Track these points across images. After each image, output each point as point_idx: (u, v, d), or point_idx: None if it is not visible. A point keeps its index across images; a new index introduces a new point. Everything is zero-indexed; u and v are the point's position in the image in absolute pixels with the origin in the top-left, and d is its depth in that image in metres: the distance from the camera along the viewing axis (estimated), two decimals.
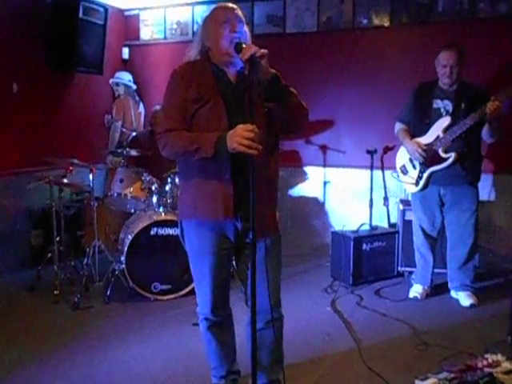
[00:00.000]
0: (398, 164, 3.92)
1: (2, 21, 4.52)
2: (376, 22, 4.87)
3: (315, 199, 5.29)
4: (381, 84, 4.86)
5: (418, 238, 3.86)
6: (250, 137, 1.84)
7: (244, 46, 1.91)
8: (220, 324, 2.31)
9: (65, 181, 4.10)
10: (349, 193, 5.09)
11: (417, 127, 3.71)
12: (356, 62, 4.96)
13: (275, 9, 5.14)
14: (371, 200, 4.58)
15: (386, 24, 4.84)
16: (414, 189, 3.76)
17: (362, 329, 3.32)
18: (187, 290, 3.90)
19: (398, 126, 3.84)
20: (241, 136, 1.85)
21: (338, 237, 4.29)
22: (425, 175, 3.66)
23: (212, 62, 2.11)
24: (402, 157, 3.87)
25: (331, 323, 3.44)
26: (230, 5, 2.13)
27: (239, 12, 2.11)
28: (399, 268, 4.33)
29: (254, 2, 5.13)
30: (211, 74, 2.09)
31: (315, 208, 5.28)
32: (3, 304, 3.82)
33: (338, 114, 5.09)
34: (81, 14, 4.86)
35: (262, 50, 1.88)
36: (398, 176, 3.95)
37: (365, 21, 4.92)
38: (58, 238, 4.09)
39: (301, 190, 5.33)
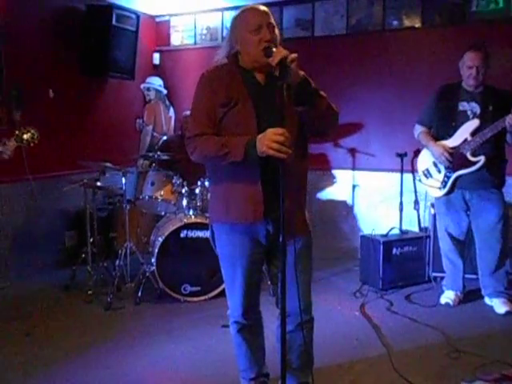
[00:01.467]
0: (421, 167, 3.84)
1: (39, 29, 4.67)
2: (407, 23, 4.82)
3: (343, 203, 5.26)
4: (411, 86, 4.80)
5: (445, 244, 3.79)
6: (280, 140, 1.84)
7: (274, 50, 1.90)
8: (250, 327, 2.31)
9: (98, 184, 4.21)
10: (378, 196, 5.04)
11: (441, 130, 3.64)
12: (386, 64, 4.91)
13: (304, 12, 5.15)
14: (401, 204, 4.53)
15: (418, 25, 4.78)
16: (439, 193, 3.69)
17: (392, 334, 3.28)
18: (216, 292, 3.95)
19: (419, 129, 3.77)
20: (271, 140, 1.85)
21: (368, 241, 4.25)
22: (451, 179, 3.59)
23: (240, 65, 2.11)
24: (425, 160, 3.79)
25: (360, 328, 3.41)
26: (262, 8, 2.08)
27: (270, 16, 2.07)
28: (430, 273, 4.25)
29: (283, 7, 5.18)
30: (240, 77, 2.09)
31: (343, 211, 5.25)
32: (40, 302, 3.94)
33: (367, 117, 5.05)
34: (114, 21, 4.97)
35: (293, 55, 1.87)
36: (420, 179, 3.87)
37: (395, 22, 4.86)
38: (91, 240, 4.20)
39: (329, 193, 5.31)
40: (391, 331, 3.33)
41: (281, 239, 1.84)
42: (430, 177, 3.75)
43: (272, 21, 2.07)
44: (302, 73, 1.94)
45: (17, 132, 3.12)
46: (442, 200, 3.71)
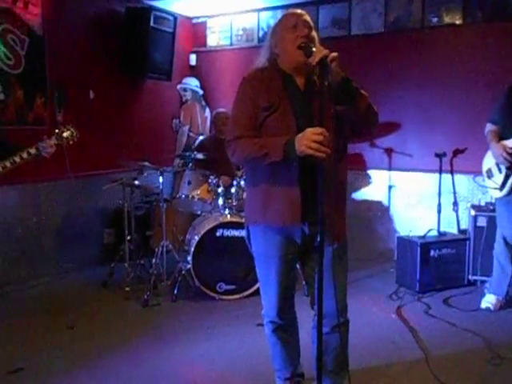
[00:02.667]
0: (485, 167, 3.70)
1: (80, 32, 4.81)
2: (447, 20, 4.71)
3: (379, 203, 5.19)
4: (451, 84, 4.70)
5: (498, 246, 3.67)
6: (319, 140, 1.84)
7: (314, 49, 1.91)
8: (285, 327, 2.32)
9: (136, 182, 4.29)
10: (415, 197, 4.95)
11: (506, 129, 3.48)
12: (425, 62, 4.81)
13: (340, 12, 5.12)
14: (439, 205, 4.43)
15: (458, 22, 4.66)
16: (498, 194, 3.56)
17: (430, 338, 3.20)
18: (251, 290, 3.97)
19: (488, 127, 3.61)
20: (309, 139, 1.85)
21: (404, 242, 4.19)
22: (510, 180, 3.45)
23: (280, 69, 2.12)
24: (489, 160, 3.64)
25: (396, 331, 3.36)
26: (298, 11, 2.14)
27: (307, 17, 2.11)
28: (470, 277, 4.16)
29: (319, 6, 5.15)
30: (280, 80, 2.10)
31: (379, 212, 5.18)
32: (80, 298, 4.05)
33: (405, 116, 4.97)
34: (152, 23, 5.06)
35: (333, 54, 1.87)
36: (483, 180, 3.74)
37: (435, 19, 4.76)
38: (128, 238, 4.29)
39: (364, 193, 5.26)
40: (429, 335, 3.26)
41: (318, 240, 1.83)
42: (492, 177, 3.62)
43: (308, 19, 2.10)
44: (342, 72, 1.93)
45: (57, 130, 3.21)
46: (502, 201, 3.57)
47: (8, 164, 3.03)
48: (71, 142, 3.25)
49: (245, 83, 2.14)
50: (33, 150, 3.09)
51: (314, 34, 2.09)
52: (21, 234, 4.36)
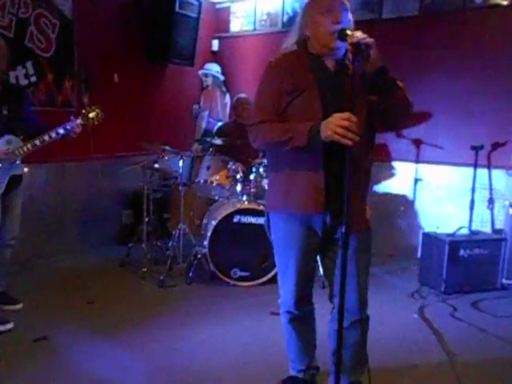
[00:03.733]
0: None
1: (107, 15, 4.86)
2: (492, 0, 4.32)
3: (403, 197, 4.94)
4: (495, 72, 4.32)
5: None
6: (345, 125, 1.77)
7: (349, 32, 1.81)
8: (302, 318, 2.29)
9: (156, 166, 4.37)
10: (444, 192, 4.66)
11: None
12: (464, 48, 4.50)
13: None
14: (472, 201, 4.18)
15: (505, 2, 4.25)
16: None
17: (456, 342, 3.06)
18: (265, 278, 4.03)
19: None
20: (336, 124, 1.79)
21: (431, 239, 4.02)
22: None
23: (309, 52, 2.04)
24: None
25: (419, 331, 3.24)
26: None
27: None
28: (503, 280, 3.94)
29: None
30: (308, 63, 2.01)
31: (403, 206, 4.94)
32: (99, 276, 4.18)
33: (437, 106, 4.65)
34: (177, 8, 5.09)
35: (369, 39, 1.78)
36: None
37: (479, 0, 4.37)
38: (146, 219, 4.38)
39: (388, 186, 5.02)
40: (455, 339, 3.10)
41: (342, 231, 1.78)
42: None
43: (346, 3, 1.97)
44: (380, 61, 1.85)
45: (83, 111, 3.30)
46: None
47: (38, 142, 3.14)
48: (96, 123, 3.34)
49: (270, 67, 2.07)
50: (61, 130, 3.18)
51: (350, 16, 1.97)
52: (45, 211, 4.49)
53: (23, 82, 4.16)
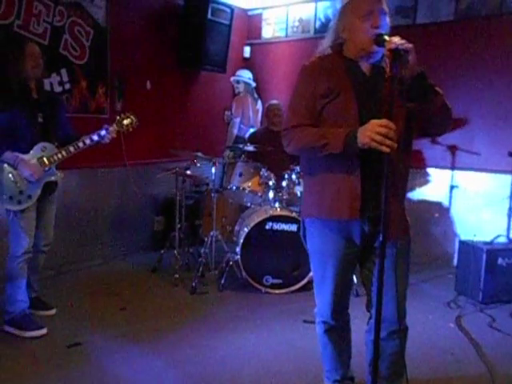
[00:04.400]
0: None
1: (138, 22, 4.92)
2: None
3: (438, 204, 4.88)
4: None
5: None
6: (384, 132, 1.74)
7: (387, 38, 1.77)
8: (338, 328, 2.24)
9: (188, 172, 4.37)
10: (481, 199, 4.58)
11: None
12: (501, 53, 4.42)
13: None
14: (510, 209, 4.15)
15: None
16: None
17: (495, 354, 2.98)
18: (298, 286, 3.98)
19: None
20: (374, 131, 1.76)
21: (467, 247, 3.95)
22: None
23: (345, 56, 2.01)
24: None
25: (456, 342, 3.17)
26: None
27: (384, 3, 1.92)
28: None
29: None
30: (343, 67, 1.98)
31: (437, 214, 4.87)
32: (131, 282, 4.19)
33: (473, 112, 4.59)
34: (209, 15, 5.12)
35: (408, 44, 1.73)
36: None
37: None
38: (179, 226, 4.38)
39: (422, 193, 4.95)
40: (494, 350, 3.03)
41: (380, 240, 1.75)
42: None
43: (385, 7, 1.92)
44: (419, 67, 1.81)
45: (118, 117, 3.33)
46: None
47: (72, 149, 3.17)
48: (131, 130, 3.35)
49: (305, 70, 2.03)
50: (95, 137, 3.21)
51: (388, 20, 1.92)
52: (78, 217, 4.54)
53: (57, 89, 4.23)
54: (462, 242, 4.08)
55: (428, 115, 1.92)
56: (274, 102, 4.89)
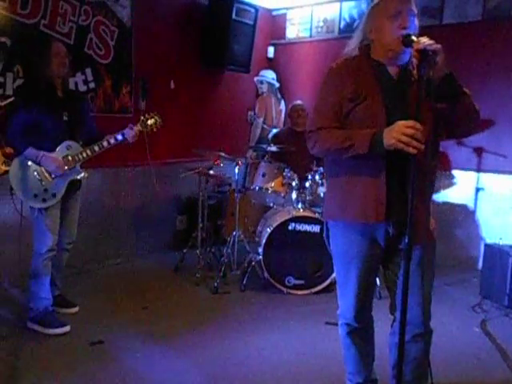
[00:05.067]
0: None
1: (164, 22, 4.94)
2: None
3: (463, 207, 4.81)
4: None
5: None
6: (410, 133, 1.72)
7: (414, 38, 1.76)
8: (361, 330, 2.22)
9: (211, 172, 4.37)
10: (507, 202, 4.51)
11: None
12: None
13: (432, 0, 4.79)
14: None
15: None
16: None
17: None
18: (320, 287, 3.95)
19: None
20: (400, 132, 1.74)
21: (493, 251, 3.88)
22: None
23: (372, 58, 1.99)
24: None
25: (481, 346, 3.13)
26: None
27: (413, 4, 1.91)
28: None
29: None
30: (370, 69, 1.97)
31: (462, 216, 4.81)
32: (153, 280, 4.21)
33: (501, 113, 4.51)
34: (234, 15, 5.11)
35: (436, 45, 1.72)
36: None
37: None
38: (201, 225, 4.38)
39: (447, 195, 4.89)
40: None
41: (405, 242, 1.73)
42: None
43: (414, 8, 1.91)
44: (447, 67, 1.80)
45: (142, 117, 3.34)
46: None
47: (96, 148, 3.20)
48: (155, 130, 3.37)
49: (331, 73, 2.02)
50: (119, 136, 3.24)
51: (416, 22, 1.91)
52: (101, 215, 4.57)
53: (82, 88, 4.27)
54: (487, 246, 4.03)
55: (456, 116, 1.90)
56: (298, 102, 4.85)
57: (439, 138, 2.03)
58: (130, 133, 3.24)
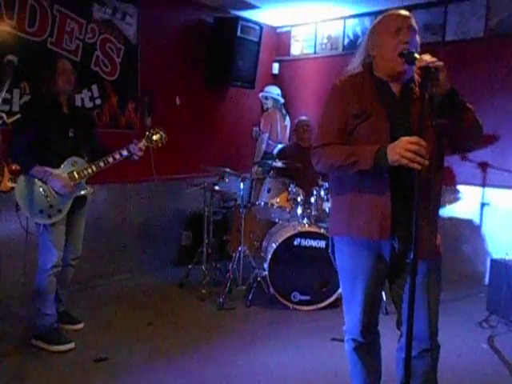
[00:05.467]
0: None
1: (169, 40, 4.99)
2: None
3: (469, 222, 4.81)
4: None
5: None
6: (414, 149, 1.73)
7: (417, 56, 1.78)
8: (367, 346, 2.20)
9: (216, 188, 4.38)
10: None
11: None
12: None
13: (434, 16, 4.88)
14: None
15: None
16: None
17: None
18: (326, 303, 3.92)
19: None
20: (404, 148, 1.75)
21: (499, 266, 3.86)
22: None
23: (374, 75, 2.02)
24: None
25: (488, 363, 3.09)
26: (403, 12, 1.96)
27: (413, 21, 1.94)
28: None
29: (412, 11, 4.93)
30: (373, 86, 1.99)
31: (468, 231, 4.81)
32: (158, 296, 4.19)
33: (505, 128, 4.55)
34: (239, 33, 5.16)
35: (439, 62, 1.75)
36: None
37: None
38: (206, 241, 4.38)
39: (452, 210, 4.90)
40: None
41: (411, 258, 1.73)
42: None
43: (414, 23, 1.93)
44: (449, 85, 1.81)
45: (147, 133, 3.35)
46: None
47: (102, 164, 3.21)
48: (160, 145, 3.38)
49: (335, 89, 2.04)
50: (124, 152, 3.24)
51: (417, 38, 1.94)
52: (107, 231, 4.58)
53: (88, 104, 4.31)
54: (493, 261, 4.01)
55: (459, 131, 1.91)
56: (304, 118, 4.87)
57: (443, 155, 2.04)
58: (135, 148, 3.26)
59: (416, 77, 1.81)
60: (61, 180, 3.07)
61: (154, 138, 3.35)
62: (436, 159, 1.94)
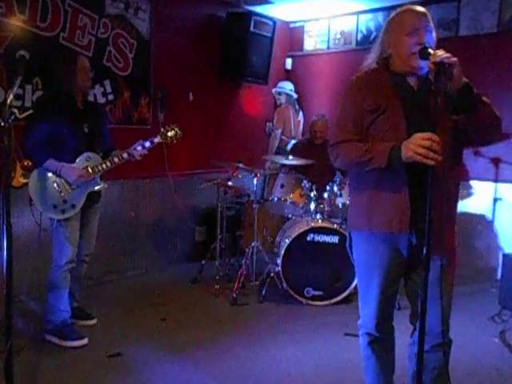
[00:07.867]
0: None
1: (182, 35, 4.99)
2: None
3: (481, 217, 4.80)
4: None
5: None
6: (427, 145, 1.73)
7: (431, 51, 1.79)
8: (382, 341, 2.20)
9: (229, 183, 4.38)
10: None
11: None
12: None
13: (448, 12, 4.86)
14: None
15: None
16: None
17: None
18: (339, 298, 3.91)
19: None
20: (417, 144, 1.76)
21: None
22: None
23: (391, 70, 2.02)
24: None
25: (501, 357, 3.08)
26: (420, 9, 1.96)
27: (429, 18, 1.94)
28: None
29: (426, 6, 4.89)
30: (389, 81, 2.00)
31: (480, 227, 4.78)
32: (171, 292, 4.21)
33: None
34: (252, 28, 5.14)
35: (453, 58, 1.75)
36: None
37: None
38: (220, 236, 4.38)
39: (465, 205, 4.85)
40: None
41: (424, 252, 1.72)
42: None
43: (430, 23, 1.95)
44: (464, 78, 1.81)
45: (162, 129, 3.36)
46: None
47: (116, 160, 3.22)
48: (175, 141, 3.38)
49: (352, 85, 2.05)
50: (139, 147, 3.25)
51: (433, 35, 1.95)
52: (120, 227, 4.60)
53: (101, 100, 4.32)
54: (505, 256, 3.99)
55: (476, 126, 1.91)
56: (319, 118, 4.71)
57: (460, 149, 2.03)
58: (150, 144, 3.26)
59: (432, 72, 1.81)
60: (74, 170, 3.07)
61: (169, 134, 3.35)
62: (452, 154, 1.94)
